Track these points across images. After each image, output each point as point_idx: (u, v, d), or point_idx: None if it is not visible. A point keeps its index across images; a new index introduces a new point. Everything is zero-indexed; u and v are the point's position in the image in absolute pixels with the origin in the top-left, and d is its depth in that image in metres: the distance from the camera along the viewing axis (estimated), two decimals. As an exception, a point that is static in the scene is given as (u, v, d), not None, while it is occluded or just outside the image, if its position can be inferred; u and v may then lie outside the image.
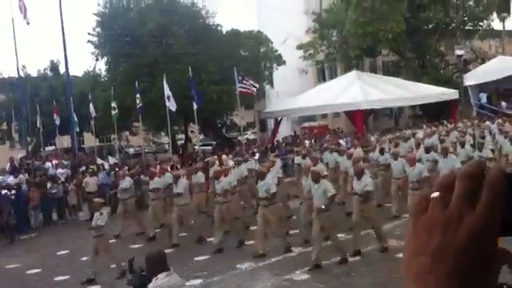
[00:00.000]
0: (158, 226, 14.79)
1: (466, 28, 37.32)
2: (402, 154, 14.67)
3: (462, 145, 15.33)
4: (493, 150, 16.16)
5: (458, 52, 33.26)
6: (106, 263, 11.30)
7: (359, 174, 11.01)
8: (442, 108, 30.09)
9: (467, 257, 0.64)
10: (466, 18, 36.87)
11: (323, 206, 10.11)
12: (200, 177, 15.08)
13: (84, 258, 12.41)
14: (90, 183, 18.88)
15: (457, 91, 30.78)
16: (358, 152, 16.76)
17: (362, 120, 28.35)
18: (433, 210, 0.68)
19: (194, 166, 16.96)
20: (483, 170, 0.66)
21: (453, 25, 36.43)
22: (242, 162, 16.45)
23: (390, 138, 20.54)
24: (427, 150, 15.06)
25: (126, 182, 15.77)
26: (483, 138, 17.79)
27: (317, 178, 10.46)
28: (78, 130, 29.50)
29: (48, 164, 23.87)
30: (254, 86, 25.39)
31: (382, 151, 16.08)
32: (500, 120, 23.95)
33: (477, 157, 14.08)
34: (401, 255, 7.09)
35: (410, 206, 11.67)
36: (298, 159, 17.83)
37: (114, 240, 13.29)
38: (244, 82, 24.55)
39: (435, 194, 0.69)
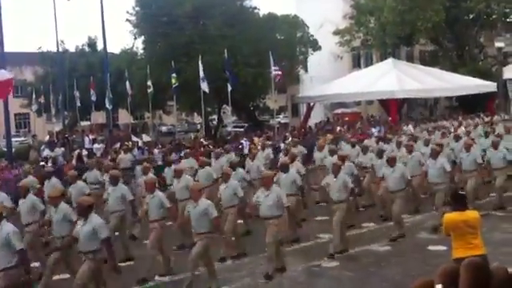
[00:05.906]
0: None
1: (508, 20, 36.45)
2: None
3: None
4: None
5: (498, 44, 32.59)
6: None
7: (336, 171, 10.50)
8: (478, 100, 29.61)
9: None
10: (507, 10, 35.98)
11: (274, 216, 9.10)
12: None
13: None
14: (124, 160, 19.13)
15: (495, 84, 30.22)
16: (347, 149, 15.71)
17: (396, 109, 28.10)
18: None
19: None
20: (487, 265, 0.71)
21: (494, 16, 35.64)
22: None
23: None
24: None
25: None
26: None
27: (268, 183, 9.41)
28: (112, 106, 29.97)
29: (86, 138, 24.41)
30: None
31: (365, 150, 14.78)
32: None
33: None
34: (431, 247, 7.16)
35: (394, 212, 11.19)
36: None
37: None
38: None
39: (439, 287, 0.73)
